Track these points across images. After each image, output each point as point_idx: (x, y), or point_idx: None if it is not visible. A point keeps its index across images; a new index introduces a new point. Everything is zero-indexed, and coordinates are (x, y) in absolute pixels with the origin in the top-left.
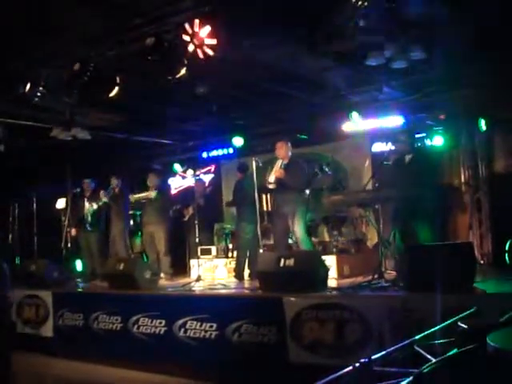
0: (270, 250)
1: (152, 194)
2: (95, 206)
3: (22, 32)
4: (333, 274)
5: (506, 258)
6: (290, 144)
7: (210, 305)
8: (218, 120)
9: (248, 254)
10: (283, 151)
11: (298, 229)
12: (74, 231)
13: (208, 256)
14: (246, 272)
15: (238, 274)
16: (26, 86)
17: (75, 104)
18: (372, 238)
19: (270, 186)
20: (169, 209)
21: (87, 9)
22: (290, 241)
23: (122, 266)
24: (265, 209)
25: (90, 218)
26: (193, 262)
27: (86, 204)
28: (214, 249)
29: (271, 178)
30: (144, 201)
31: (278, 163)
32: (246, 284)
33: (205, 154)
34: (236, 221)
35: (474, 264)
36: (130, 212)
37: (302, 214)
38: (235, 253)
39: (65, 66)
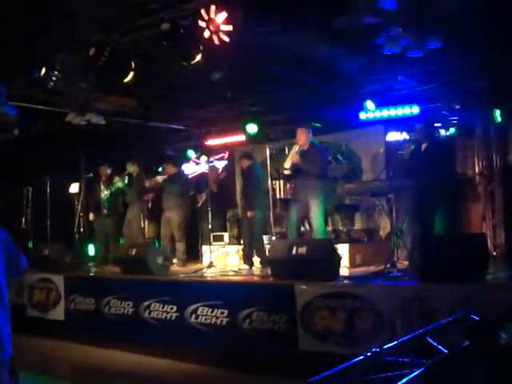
0: (283, 237)
1: (159, 178)
2: (108, 192)
3: (35, 16)
4: (345, 262)
5: None
6: (310, 131)
7: (222, 291)
8: (232, 106)
9: (252, 240)
10: (303, 138)
11: (315, 217)
12: (91, 216)
13: (220, 242)
14: (257, 259)
15: (248, 260)
16: (41, 70)
17: (90, 89)
18: (385, 228)
19: (286, 172)
20: (187, 195)
21: None
22: (303, 228)
23: (134, 251)
24: (277, 196)
25: (106, 203)
26: (205, 249)
27: (103, 189)
28: (226, 235)
29: (287, 164)
30: (157, 186)
31: (295, 149)
32: (258, 271)
33: (219, 141)
34: (244, 207)
35: (486, 255)
36: (146, 198)
37: (321, 202)
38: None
39: (80, 51)
